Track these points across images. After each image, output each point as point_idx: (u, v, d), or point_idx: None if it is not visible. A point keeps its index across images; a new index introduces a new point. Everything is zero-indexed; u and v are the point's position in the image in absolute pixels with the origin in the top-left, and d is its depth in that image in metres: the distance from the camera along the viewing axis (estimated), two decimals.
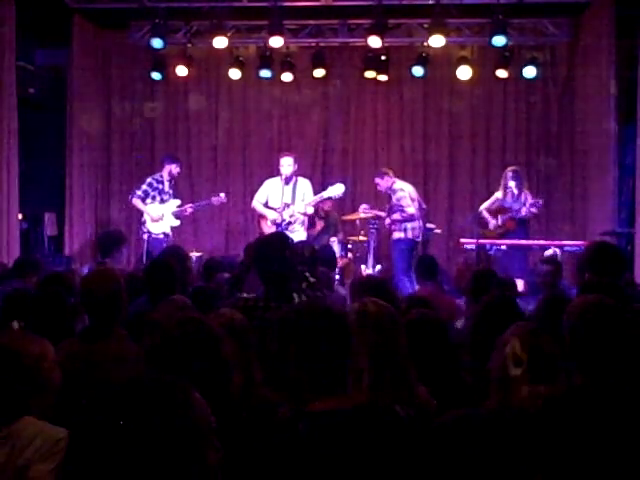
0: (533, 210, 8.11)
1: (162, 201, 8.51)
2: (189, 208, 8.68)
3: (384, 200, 8.69)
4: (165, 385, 1.54)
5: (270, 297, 3.46)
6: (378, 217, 8.74)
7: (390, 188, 8.28)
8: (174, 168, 8.62)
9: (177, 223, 8.65)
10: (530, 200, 8.12)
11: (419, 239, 8.29)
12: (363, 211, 8.86)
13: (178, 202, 8.62)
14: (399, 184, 8.30)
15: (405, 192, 8.20)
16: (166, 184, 8.58)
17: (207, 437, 1.55)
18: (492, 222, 8.27)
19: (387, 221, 8.29)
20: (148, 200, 8.48)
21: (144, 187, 8.53)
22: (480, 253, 8.01)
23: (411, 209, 8.09)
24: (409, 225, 8.13)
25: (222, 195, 8.77)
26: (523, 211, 8.07)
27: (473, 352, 3.12)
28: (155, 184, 8.53)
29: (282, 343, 2.05)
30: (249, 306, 3.45)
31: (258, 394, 2.42)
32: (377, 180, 8.44)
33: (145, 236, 8.39)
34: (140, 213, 8.63)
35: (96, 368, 2.90)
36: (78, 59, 9.87)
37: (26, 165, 8.65)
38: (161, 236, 8.43)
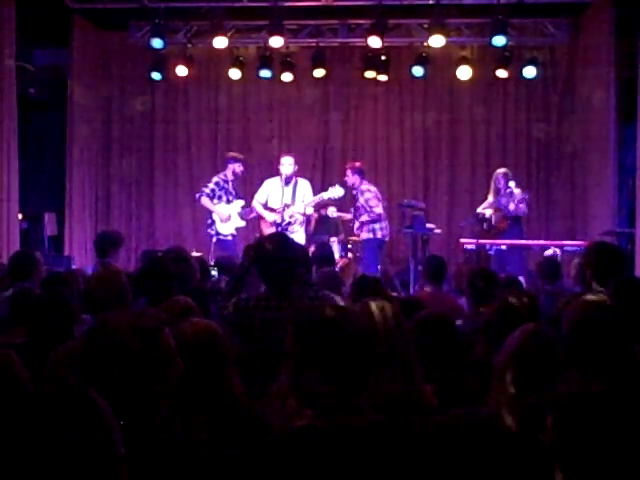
0: (522, 207, 8.12)
1: (228, 201, 8.34)
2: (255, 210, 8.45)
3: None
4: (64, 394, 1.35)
5: (271, 297, 3.46)
6: (345, 220, 8.83)
7: (357, 188, 8.34)
8: (237, 167, 8.43)
9: (243, 224, 8.45)
10: (519, 197, 8.15)
11: (387, 238, 8.45)
12: (331, 214, 8.90)
13: (242, 202, 8.42)
14: (364, 185, 8.38)
15: (372, 193, 8.31)
16: (230, 184, 8.42)
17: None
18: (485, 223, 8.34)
19: (356, 225, 8.38)
20: (215, 200, 8.29)
21: (211, 186, 8.33)
22: (480, 253, 8.02)
23: (379, 209, 8.22)
24: (377, 226, 8.24)
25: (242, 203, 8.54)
26: (511, 206, 8.09)
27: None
28: (222, 183, 8.36)
29: (306, 352, 1.96)
30: (250, 306, 3.45)
31: (240, 407, 2.33)
32: (348, 173, 8.45)
33: (214, 239, 8.23)
34: (208, 213, 8.42)
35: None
36: (78, 59, 9.88)
37: (26, 165, 8.65)
38: (229, 237, 8.27)
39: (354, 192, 8.39)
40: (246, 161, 8.83)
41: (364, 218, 8.21)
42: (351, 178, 8.39)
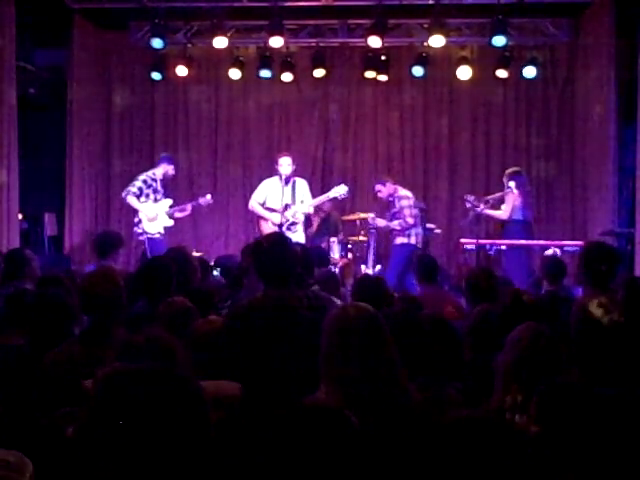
0: (487, 212, 8.11)
1: (156, 200, 8.30)
2: (187, 207, 8.54)
3: (382, 200, 8.69)
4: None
5: (269, 298, 3.46)
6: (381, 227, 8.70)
7: (393, 195, 8.35)
8: (171, 170, 8.46)
9: (171, 223, 8.44)
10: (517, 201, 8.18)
11: (420, 245, 8.40)
12: (371, 220, 8.69)
13: (170, 202, 8.41)
14: (401, 191, 8.38)
15: (410, 200, 8.30)
16: (159, 183, 8.38)
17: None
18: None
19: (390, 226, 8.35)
20: (142, 199, 8.21)
21: (138, 184, 8.23)
22: (480, 253, 8.02)
23: (411, 220, 8.19)
24: (413, 231, 8.24)
25: (208, 197, 8.58)
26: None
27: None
28: (150, 182, 8.28)
29: (345, 345, 2.03)
30: (249, 307, 3.45)
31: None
32: (378, 187, 8.48)
33: (142, 237, 8.21)
34: (133, 212, 8.40)
35: (96, 370, 2.89)
36: (78, 59, 9.87)
37: (26, 165, 8.65)
38: (157, 236, 8.25)
39: (390, 199, 8.39)
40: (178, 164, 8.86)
41: (395, 226, 8.23)
42: (384, 191, 8.41)
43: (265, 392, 2.37)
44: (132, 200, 8.23)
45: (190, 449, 1.39)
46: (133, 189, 8.21)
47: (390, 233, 8.49)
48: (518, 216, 8.17)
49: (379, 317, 2.53)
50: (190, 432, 1.40)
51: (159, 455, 1.37)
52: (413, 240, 8.24)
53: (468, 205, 8.19)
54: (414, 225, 8.24)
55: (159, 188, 8.38)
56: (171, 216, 8.44)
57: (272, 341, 2.99)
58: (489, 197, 8.33)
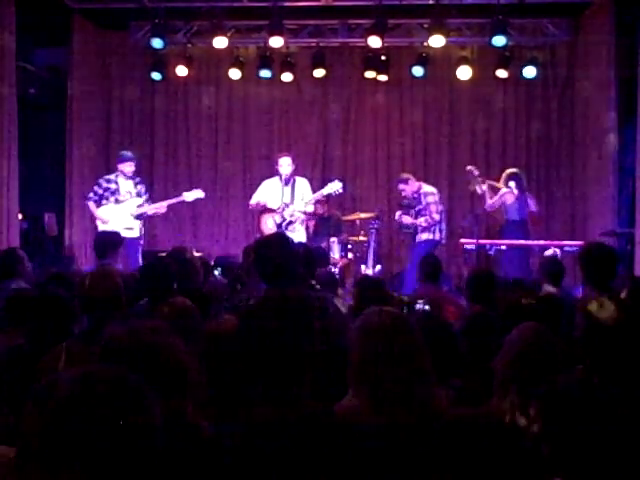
0: (486, 194, 8.23)
1: (117, 201, 8.16)
2: (163, 206, 8.31)
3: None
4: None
5: (271, 298, 3.45)
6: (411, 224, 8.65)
7: (417, 192, 8.38)
8: (128, 166, 8.20)
9: (134, 224, 8.16)
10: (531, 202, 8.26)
11: (444, 241, 8.50)
12: (405, 220, 8.54)
13: (139, 201, 8.21)
14: (426, 187, 8.43)
15: (436, 197, 8.36)
16: (123, 184, 8.19)
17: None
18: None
19: (419, 228, 8.36)
20: (103, 201, 8.15)
21: (95, 188, 8.24)
22: (480, 253, 8.02)
23: (436, 216, 8.24)
24: (438, 227, 8.29)
25: (198, 192, 8.39)
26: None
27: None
28: (105, 184, 8.20)
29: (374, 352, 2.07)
30: (250, 307, 3.44)
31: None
32: (402, 186, 8.52)
33: None
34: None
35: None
36: (78, 59, 9.87)
37: (26, 165, 8.65)
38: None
39: (415, 196, 8.40)
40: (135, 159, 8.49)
41: (421, 222, 8.24)
42: (407, 189, 8.42)
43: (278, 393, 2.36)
44: (90, 205, 8.26)
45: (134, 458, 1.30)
46: (91, 194, 8.25)
47: (415, 229, 8.44)
48: (515, 216, 8.20)
49: (411, 322, 2.53)
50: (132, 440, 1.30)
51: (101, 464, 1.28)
52: (437, 236, 8.30)
53: (476, 173, 8.27)
54: (436, 223, 8.27)
55: (119, 188, 8.21)
56: (140, 216, 8.22)
57: (278, 341, 2.99)
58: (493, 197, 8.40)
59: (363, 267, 8.79)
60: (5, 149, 8.06)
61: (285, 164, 8.01)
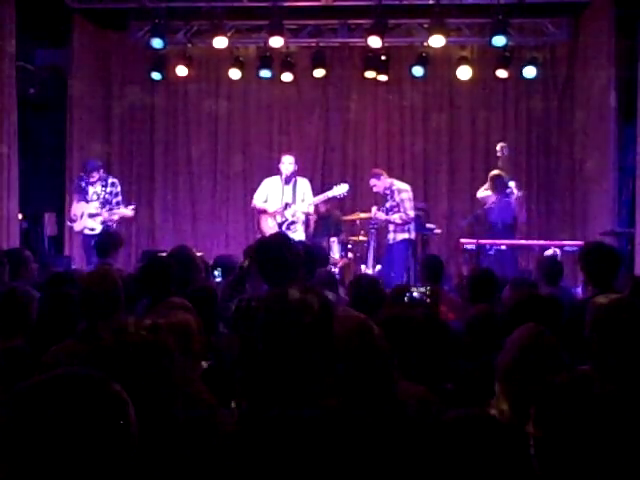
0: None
1: (86, 201, 8.18)
2: (114, 215, 8.19)
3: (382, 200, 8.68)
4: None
5: (272, 298, 3.46)
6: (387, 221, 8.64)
7: (389, 188, 8.30)
8: (90, 177, 8.15)
9: (93, 225, 8.08)
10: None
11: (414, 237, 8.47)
12: (379, 216, 8.55)
13: (95, 204, 8.14)
14: (399, 184, 8.34)
15: (409, 193, 8.28)
16: (93, 187, 8.17)
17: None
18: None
19: (391, 227, 8.31)
20: (76, 195, 8.31)
21: (76, 181, 8.43)
22: (480, 253, 8.02)
23: (411, 212, 8.19)
24: (411, 226, 8.26)
25: (129, 208, 8.32)
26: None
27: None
28: (77, 182, 8.39)
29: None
30: (252, 307, 3.45)
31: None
32: (373, 181, 8.46)
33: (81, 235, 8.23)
34: None
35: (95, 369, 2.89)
36: (78, 59, 9.87)
37: (26, 165, 8.65)
38: (87, 232, 8.04)
39: (387, 192, 8.33)
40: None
41: (396, 219, 8.18)
42: (379, 185, 8.36)
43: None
44: (75, 197, 8.37)
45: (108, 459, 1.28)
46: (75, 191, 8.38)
47: (385, 228, 8.45)
48: (495, 219, 8.24)
49: (369, 325, 2.51)
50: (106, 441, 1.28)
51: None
52: (413, 235, 8.30)
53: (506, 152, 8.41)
54: (411, 220, 8.23)
55: (90, 190, 8.18)
56: (105, 221, 8.13)
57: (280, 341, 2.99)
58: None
59: (363, 267, 8.79)
60: (5, 149, 8.06)
61: (287, 162, 8.03)
